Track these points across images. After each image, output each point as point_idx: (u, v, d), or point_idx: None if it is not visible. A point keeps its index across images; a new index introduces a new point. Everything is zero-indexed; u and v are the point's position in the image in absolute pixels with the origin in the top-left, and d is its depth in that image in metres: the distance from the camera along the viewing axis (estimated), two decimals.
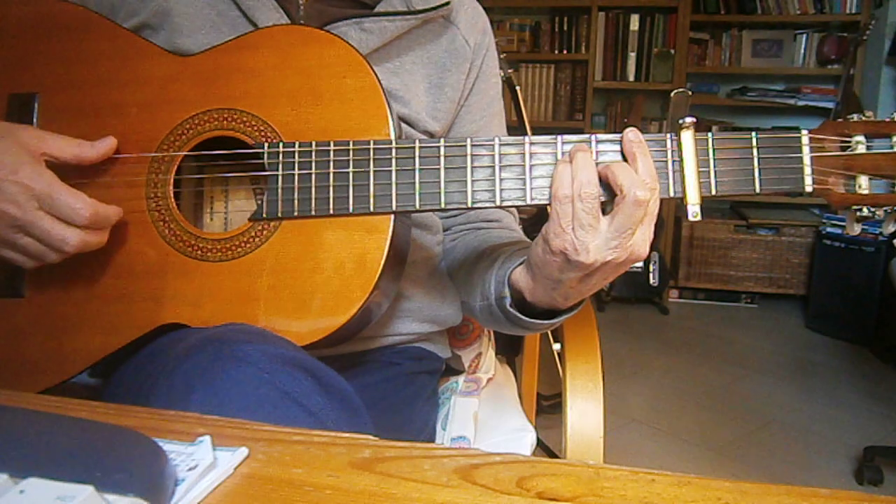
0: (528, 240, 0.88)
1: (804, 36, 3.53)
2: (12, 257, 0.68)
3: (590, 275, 0.66)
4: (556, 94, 3.75)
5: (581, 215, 0.63)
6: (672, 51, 3.54)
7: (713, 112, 3.70)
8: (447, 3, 0.83)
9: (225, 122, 0.72)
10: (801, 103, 3.46)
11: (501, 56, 2.19)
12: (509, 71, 2.20)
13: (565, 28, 3.67)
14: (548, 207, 0.66)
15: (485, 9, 0.93)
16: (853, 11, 3.39)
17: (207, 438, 0.44)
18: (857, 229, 0.68)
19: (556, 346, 2.04)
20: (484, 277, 0.79)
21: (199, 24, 0.78)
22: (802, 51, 3.55)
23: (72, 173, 0.71)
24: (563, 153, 0.67)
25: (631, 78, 3.63)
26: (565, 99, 3.74)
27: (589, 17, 3.60)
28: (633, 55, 3.61)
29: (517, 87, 2.20)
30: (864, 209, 0.66)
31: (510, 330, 0.81)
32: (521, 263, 0.74)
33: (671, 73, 3.54)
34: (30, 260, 0.68)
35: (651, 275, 3.25)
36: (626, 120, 3.67)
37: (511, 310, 0.75)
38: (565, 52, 3.69)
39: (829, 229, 3.19)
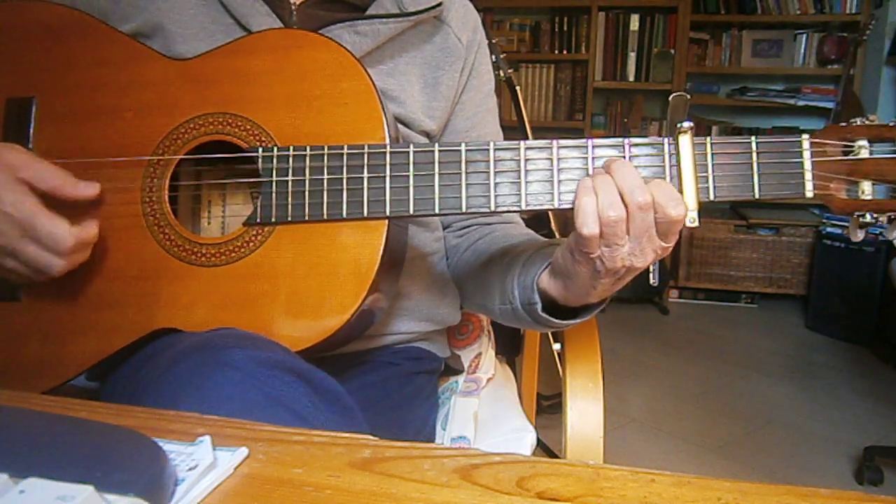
0: (534, 233, 0.89)
1: (804, 36, 3.53)
2: (3, 276, 0.68)
3: (621, 277, 0.67)
4: (556, 94, 3.75)
5: (607, 236, 0.62)
6: (672, 51, 3.54)
7: (713, 112, 3.70)
8: (439, 4, 0.83)
9: (220, 126, 0.72)
10: (801, 103, 3.46)
11: (501, 56, 2.20)
12: (509, 71, 2.20)
13: (565, 28, 3.67)
14: (568, 213, 0.65)
15: (485, 9, 0.94)
16: (853, 11, 3.39)
17: (207, 438, 0.44)
18: (860, 235, 0.66)
19: (556, 346, 2.04)
20: (503, 282, 0.79)
21: (193, 31, 0.78)
22: (802, 51, 3.55)
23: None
24: (558, 158, 0.66)
25: (631, 78, 3.63)
26: (565, 99, 3.74)
27: (589, 17, 3.60)
28: (633, 55, 3.61)
29: (517, 87, 2.20)
30: (867, 215, 0.64)
31: (533, 328, 0.82)
32: (545, 269, 0.73)
33: (671, 73, 3.54)
34: (20, 278, 0.68)
35: (651, 275, 3.23)
36: (626, 120, 3.68)
37: (543, 315, 0.75)
38: (565, 52, 3.69)
39: (829, 229, 3.19)
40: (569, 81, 3.72)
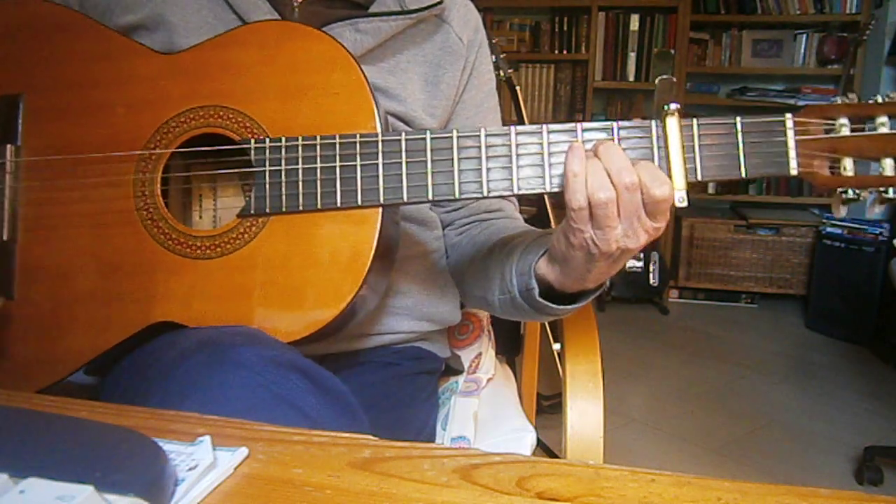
0: (534, 227, 0.89)
1: (804, 36, 3.53)
2: None
3: (616, 260, 0.67)
4: (556, 94, 3.74)
5: (598, 217, 0.63)
6: (672, 51, 3.53)
7: (713, 112, 3.69)
8: (440, 3, 0.84)
9: (211, 118, 0.71)
10: (801, 103, 3.46)
11: (501, 56, 2.20)
12: (509, 71, 2.20)
13: (565, 28, 3.67)
14: (563, 194, 0.65)
15: (485, 9, 0.94)
16: (853, 11, 3.39)
17: (207, 438, 0.44)
18: (843, 211, 0.68)
19: (556, 346, 2.04)
20: (502, 271, 0.79)
21: (194, 26, 0.79)
22: (802, 51, 3.55)
23: (60, 177, 0.71)
24: (549, 143, 0.66)
25: (631, 78, 3.63)
26: (565, 99, 3.73)
27: (589, 17, 3.60)
28: (633, 55, 3.61)
29: (517, 87, 2.20)
30: (850, 191, 0.66)
31: (532, 318, 0.82)
32: (542, 255, 0.74)
33: (671, 72, 3.53)
34: None
35: (651, 275, 3.24)
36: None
37: (540, 300, 0.75)
38: (565, 52, 3.69)
39: (829, 229, 3.19)
40: (569, 81, 3.72)
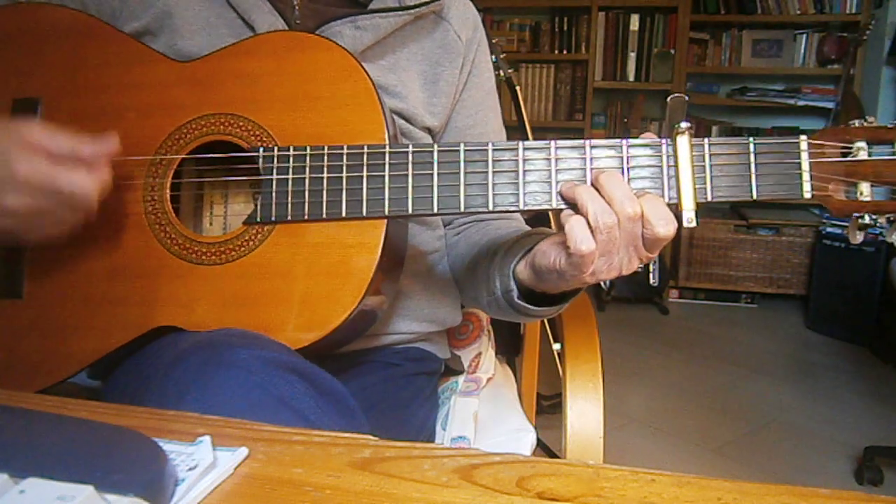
0: (527, 226, 0.89)
1: (804, 36, 3.53)
2: (49, 241, 0.67)
3: (595, 273, 0.67)
4: (556, 94, 3.75)
5: (602, 244, 0.63)
6: (672, 51, 3.54)
7: (713, 112, 3.69)
8: None
9: (222, 126, 0.72)
10: (801, 103, 3.46)
11: (501, 56, 2.20)
12: (509, 71, 2.20)
13: (565, 28, 3.67)
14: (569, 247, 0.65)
15: (485, 9, 0.95)
16: (853, 11, 3.39)
17: (207, 438, 0.44)
18: (859, 237, 0.66)
19: (556, 346, 2.04)
20: (488, 273, 0.80)
21: (197, 26, 0.79)
22: (802, 51, 3.55)
23: None
24: (556, 159, 0.66)
25: (631, 78, 3.63)
26: (565, 99, 3.74)
27: (589, 17, 3.60)
28: (633, 55, 3.61)
29: (517, 87, 2.20)
30: (866, 216, 0.64)
31: (519, 319, 0.82)
32: (522, 258, 0.74)
33: (671, 73, 3.54)
34: (63, 232, 0.66)
35: (651, 275, 3.24)
36: (626, 120, 3.67)
37: (520, 302, 0.75)
38: (565, 52, 3.69)
39: (829, 229, 3.19)
40: (569, 81, 3.72)
